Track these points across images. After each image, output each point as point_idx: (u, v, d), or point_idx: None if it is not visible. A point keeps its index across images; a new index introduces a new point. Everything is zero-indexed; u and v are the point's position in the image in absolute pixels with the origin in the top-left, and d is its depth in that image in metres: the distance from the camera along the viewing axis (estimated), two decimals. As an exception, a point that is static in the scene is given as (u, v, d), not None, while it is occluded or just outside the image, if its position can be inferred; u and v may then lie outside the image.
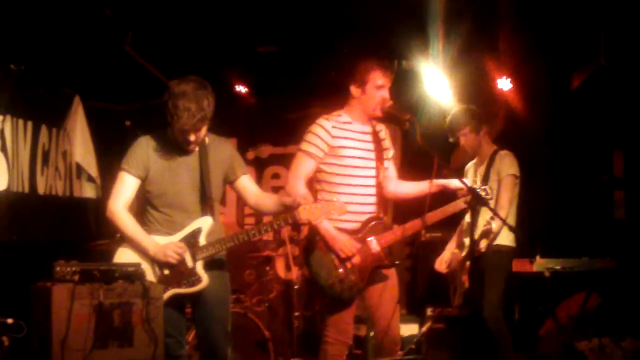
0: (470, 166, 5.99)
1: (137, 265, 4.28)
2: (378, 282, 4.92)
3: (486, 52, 6.92)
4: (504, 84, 7.00)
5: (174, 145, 4.48)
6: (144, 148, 4.49)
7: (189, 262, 4.42)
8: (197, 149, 4.50)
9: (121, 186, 4.48)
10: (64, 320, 3.92)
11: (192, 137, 4.37)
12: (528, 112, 7.03)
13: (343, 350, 4.90)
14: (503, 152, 5.84)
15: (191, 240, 4.45)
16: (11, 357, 4.59)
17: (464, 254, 5.68)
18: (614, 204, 6.91)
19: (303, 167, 4.89)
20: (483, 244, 5.48)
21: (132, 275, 4.16)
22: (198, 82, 4.37)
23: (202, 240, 4.45)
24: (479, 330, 5.57)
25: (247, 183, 4.68)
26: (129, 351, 4.06)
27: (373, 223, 4.88)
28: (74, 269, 4.06)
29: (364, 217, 4.88)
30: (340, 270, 4.78)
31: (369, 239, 4.84)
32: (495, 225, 5.35)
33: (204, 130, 4.41)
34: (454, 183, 5.00)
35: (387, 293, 4.95)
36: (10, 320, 4.58)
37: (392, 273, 4.99)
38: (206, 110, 4.33)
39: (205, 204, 4.50)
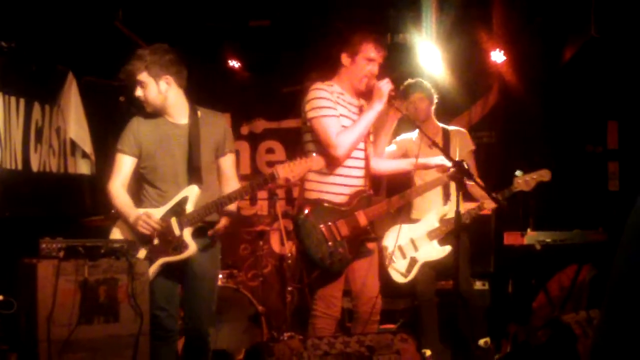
0: (415, 140, 5.84)
1: (123, 241, 4.32)
2: (365, 255, 4.91)
3: (479, 25, 6.89)
4: (498, 56, 6.98)
5: (163, 119, 4.56)
6: (135, 126, 4.58)
7: (176, 230, 4.44)
8: (187, 121, 4.55)
9: (118, 166, 4.58)
10: (49, 296, 3.95)
11: (138, 93, 4.50)
12: (521, 84, 7.01)
13: (332, 324, 4.87)
14: (457, 130, 5.95)
15: (177, 209, 4.47)
16: (1, 333, 4.61)
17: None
18: (608, 175, 6.89)
19: (333, 127, 4.67)
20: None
21: (118, 251, 4.19)
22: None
23: (188, 208, 4.47)
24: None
25: (228, 163, 4.71)
26: (115, 326, 4.10)
27: (360, 196, 4.84)
28: (59, 245, 4.09)
29: (353, 190, 4.84)
30: (330, 243, 4.74)
31: (356, 212, 4.81)
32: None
33: (149, 87, 4.48)
34: (434, 160, 5.01)
35: (373, 265, 4.97)
36: (0, 297, 4.61)
37: (375, 246, 5.00)
38: (135, 64, 4.46)
39: (193, 174, 4.53)
